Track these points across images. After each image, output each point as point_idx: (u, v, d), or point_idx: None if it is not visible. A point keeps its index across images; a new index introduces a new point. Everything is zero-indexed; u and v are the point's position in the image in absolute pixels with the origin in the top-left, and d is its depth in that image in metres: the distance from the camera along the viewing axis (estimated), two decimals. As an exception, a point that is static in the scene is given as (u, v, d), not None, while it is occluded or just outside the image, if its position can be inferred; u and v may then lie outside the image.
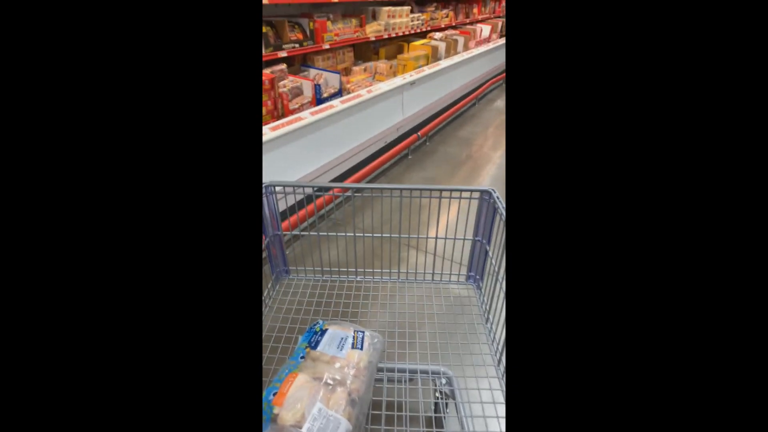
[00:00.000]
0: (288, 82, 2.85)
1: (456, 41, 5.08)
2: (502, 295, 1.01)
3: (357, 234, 1.28)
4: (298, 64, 3.45)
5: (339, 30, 3.39)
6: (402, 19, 4.26)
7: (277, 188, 1.17)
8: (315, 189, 1.17)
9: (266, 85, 2.58)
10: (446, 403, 1.18)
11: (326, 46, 3.26)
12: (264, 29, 2.79)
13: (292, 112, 2.74)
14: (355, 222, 1.30)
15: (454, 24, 5.82)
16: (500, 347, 1.03)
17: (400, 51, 4.48)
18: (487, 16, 7.35)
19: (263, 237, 1.23)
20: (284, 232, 1.29)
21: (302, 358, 0.92)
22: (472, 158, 4.10)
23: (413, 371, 1.09)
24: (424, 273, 1.33)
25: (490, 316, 1.13)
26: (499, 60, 6.86)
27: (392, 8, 4.12)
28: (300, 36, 3.07)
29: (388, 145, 3.67)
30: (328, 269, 1.33)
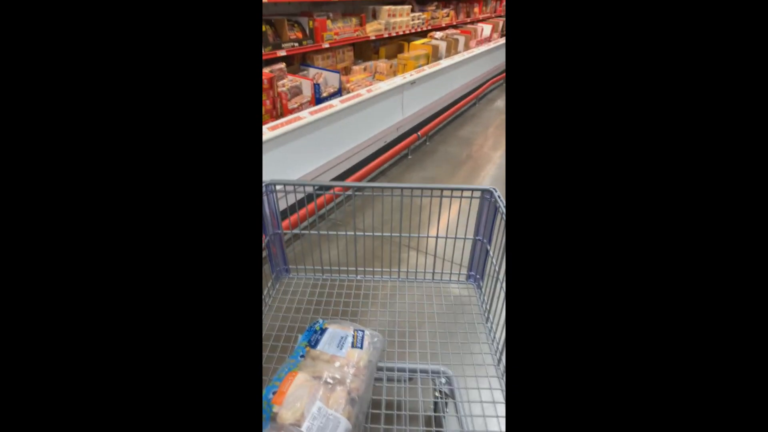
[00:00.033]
0: (287, 82, 2.86)
1: (457, 41, 5.09)
2: (503, 294, 1.02)
3: (357, 233, 1.29)
4: (298, 63, 3.45)
5: (339, 29, 3.39)
6: (402, 18, 4.26)
7: (278, 187, 1.17)
8: (315, 187, 1.18)
9: (265, 84, 2.58)
10: (446, 403, 1.19)
11: (326, 45, 3.26)
12: (263, 28, 2.79)
13: (291, 111, 2.75)
14: (355, 221, 1.30)
15: (454, 23, 5.83)
16: (500, 347, 1.04)
17: (401, 50, 4.49)
18: (488, 15, 7.35)
19: (263, 236, 1.24)
20: (284, 231, 1.29)
21: (302, 356, 0.93)
22: (472, 158, 4.11)
23: (413, 370, 1.09)
24: (425, 272, 1.34)
25: (491, 316, 1.14)
26: (500, 59, 6.86)
27: (393, 7, 4.12)
28: (299, 35, 3.07)
29: (388, 144, 3.68)
30: (328, 268, 1.34)
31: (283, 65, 2.94)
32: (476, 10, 6.75)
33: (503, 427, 0.87)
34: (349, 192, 1.15)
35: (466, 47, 5.41)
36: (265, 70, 2.76)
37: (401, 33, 4.28)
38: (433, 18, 5.04)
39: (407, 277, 1.33)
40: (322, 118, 2.71)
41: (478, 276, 1.29)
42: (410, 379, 1.10)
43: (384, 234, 1.29)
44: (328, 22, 3.25)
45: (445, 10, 5.42)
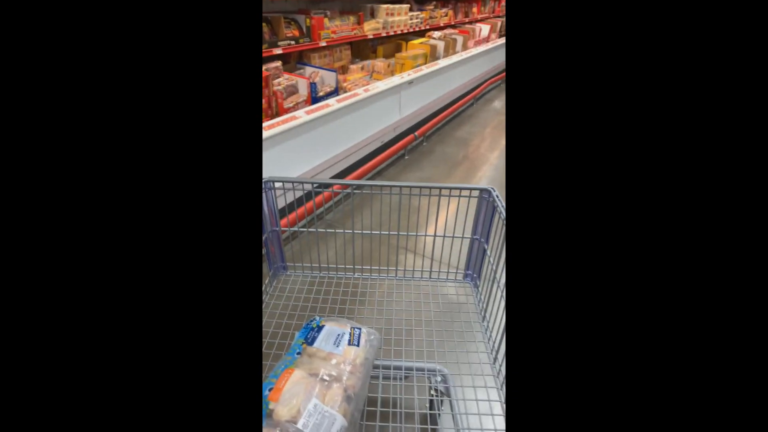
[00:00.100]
0: (283, 80, 2.86)
1: (455, 40, 5.11)
2: (500, 293, 1.03)
3: (355, 231, 1.30)
4: (294, 61, 3.46)
5: (336, 27, 3.40)
6: (401, 18, 4.28)
7: (276, 184, 1.19)
8: (314, 185, 1.19)
9: (261, 82, 2.59)
10: (441, 401, 1.20)
11: (323, 44, 3.27)
12: (260, 25, 2.79)
13: (287, 110, 2.75)
14: (353, 219, 1.31)
15: (453, 23, 5.85)
16: (496, 345, 1.05)
17: (399, 49, 4.50)
18: (487, 15, 7.39)
19: (262, 233, 1.25)
20: (282, 229, 1.30)
21: (299, 354, 0.94)
22: (469, 159, 4.13)
23: (409, 368, 1.11)
24: (422, 271, 1.35)
25: (487, 315, 1.16)
26: (498, 60, 6.89)
27: (391, 6, 4.14)
28: (296, 33, 3.08)
29: (385, 145, 3.69)
30: (326, 266, 1.35)
31: (279, 63, 2.94)
32: (474, 10, 6.78)
33: (498, 425, 0.89)
34: (348, 190, 1.16)
35: (465, 47, 5.43)
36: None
37: (399, 32, 4.29)
38: (431, 17, 5.06)
39: (404, 276, 1.35)
40: (318, 118, 2.71)
41: (475, 275, 1.31)
42: (406, 377, 1.11)
43: (382, 232, 1.30)
44: (326, 20, 3.26)
45: (444, 10, 5.44)
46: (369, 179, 3.54)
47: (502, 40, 6.74)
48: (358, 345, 0.97)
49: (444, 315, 1.21)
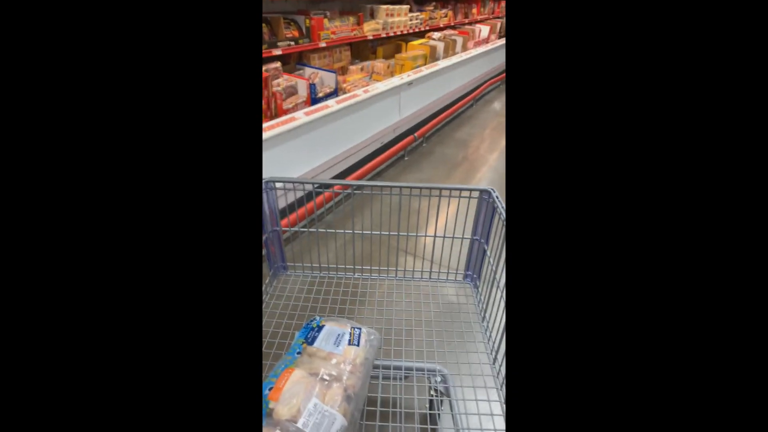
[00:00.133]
0: (282, 81, 2.87)
1: (454, 41, 5.13)
2: (499, 294, 1.04)
3: (356, 231, 1.31)
4: (294, 62, 3.46)
5: (336, 28, 3.40)
6: (400, 18, 4.29)
7: (277, 184, 1.20)
8: (315, 185, 1.20)
9: (260, 83, 2.60)
10: (441, 401, 1.21)
11: (323, 45, 3.28)
12: (259, 26, 2.80)
13: (286, 111, 2.76)
14: (353, 219, 1.32)
15: (452, 24, 5.87)
16: (496, 346, 1.06)
17: (398, 50, 4.51)
18: (486, 16, 7.41)
19: (262, 233, 1.26)
20: (283, 229, 1.31)
21: (299, 353, 0.95)
22: (468, 160, 4.14)
23: (409, 369, 1.11)
24: (422, 271, 1.36)
25: (487, 315, 1.16)
26: (498, 61, 6.91)
27: (391, 7, 4.15)
28: (296, 33, 3.09)
29: (385, 146, 3.70)
30: (326, 266, 1.36)
31: (278, 64, 2.95)
32: (474, 11, 6.80)
33: (498, 426, 0.89)
34: (348, 191, 1.17)
35: (464, 48, 5.44)
36: (261, 69, 2.77)
37: (399, 33, 4.30)
38: (431, 18, 5.08)
39: (404, 276, 1.36)
40: (317, 119, 2.71)
41: (475, 276, 1.32)
42: (406, 377, 1.12)
43: (382, 233, 1.31)
44: (325, 20, 3.26)
45: (444, 11, 5.46)
46: (369, 180, 3.55)
47: (502, 41, 6.76)
48: (358, 345, 0.98)
49: (444, 315, 1.22)
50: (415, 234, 1.32)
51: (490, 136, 4.86)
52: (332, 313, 1.25)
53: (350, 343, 0.98)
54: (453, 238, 1.29)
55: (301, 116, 2.61)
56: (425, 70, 4.14)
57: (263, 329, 1.15)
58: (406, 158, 4.12)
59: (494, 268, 1.13)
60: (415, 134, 4.08)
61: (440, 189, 1.19)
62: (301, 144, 2.66)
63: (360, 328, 1.02)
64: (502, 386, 0.99)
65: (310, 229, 1.37)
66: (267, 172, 2.34)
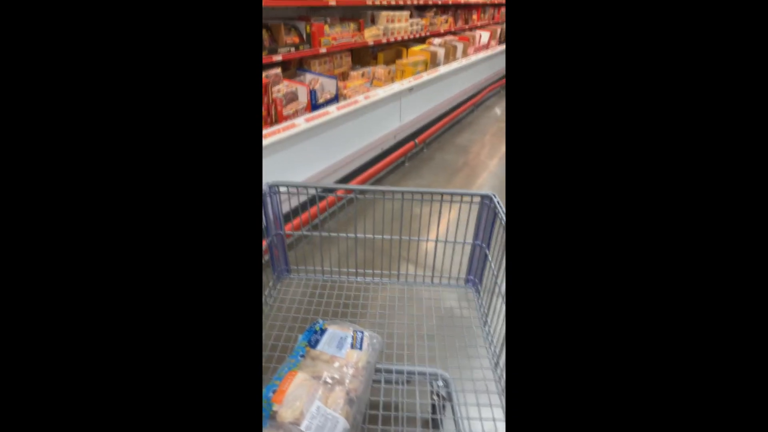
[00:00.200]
0: (282, 87, 2.88)
1: (455, 47, 5.16)
2: (501, 299, 1.06)
3: (358, 235, 1.33)
4: (294, 68, 3.48)
5: (337, 34, 3.42)
6: (401, 24, 4.31)
7: (281, 188, 1.22)
8: (318, 189, 1.23)
9: (260, 89, 2.60)
10: (443, 405, 1.22)
11: (323, 51, 3.29)
12: (260, 32, 2.82)
13: (286, 118, 2.76)
14: (356, 224, 1.34)
15: (453, 30, 5.90)
16: (498, 350, 1.07)
17: (399, 56, 4.54)
18: (486, 22, 7.45)
19: (266, 236, 1.28)
20: (286, 232, 1.33)
21: (302, 356, 0.96)
22: (469, 165, 4.16)
23: (411, 373, 1.13)
24: (424, 276, 1.37)
25: (488, 320, 1.18)
26: (498, 66, 6.95)
27: (391, 13, 4.17)
28: (296, 39, 3.11)
29: (385, 152, 3.71)
30: (329, 269, 1.38)
31: (278, 70, 2.96)
32: (474, 17, 6.84)
33: (500, 430, 0.90)
34: (351, 195, 1.19)
35: (465, 54, 5.48)
36: (261, 75, 2.78)
37: (400, 39, 4.32)
38: (431, 24, 5.11)
39: (406, 280, 1.37)
40: (317, 126, 2.72)
41: (476, 280, 1.33)
42: (408, 381, 1.13)
43: (384, 236, 1.33)
44: (326, 27, 3.28)
45: (444, 17, 5.49)
46: (370, 186, 3.56)
47: (502, 47, 6.80)
48: (360, 348, 0.99)
49: (446, 320, 1.24)
50: (417, 238, 1.34)
51: (490, 141, 4.89)
52: (335, 316, 1.27)
53: (353, 346, 0.99)
54: (455, 243, 1.31)
55: (301, 122, 2.62)
56: (426, 76, 4.16)
57: (267, 332, 1.16)
58: (406, 164, 4.14)
59: (496, 273, 1.15)
60: (416, 140, 4.10)
61: (442, 194, 1.21)
62: (301, 151, 2.67)
63: (362, 332, 1.04)
64: (503, 391, 1.00)
65: (313, 233, 1.39)
66: (266, 179, 2.35)
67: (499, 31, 7.08)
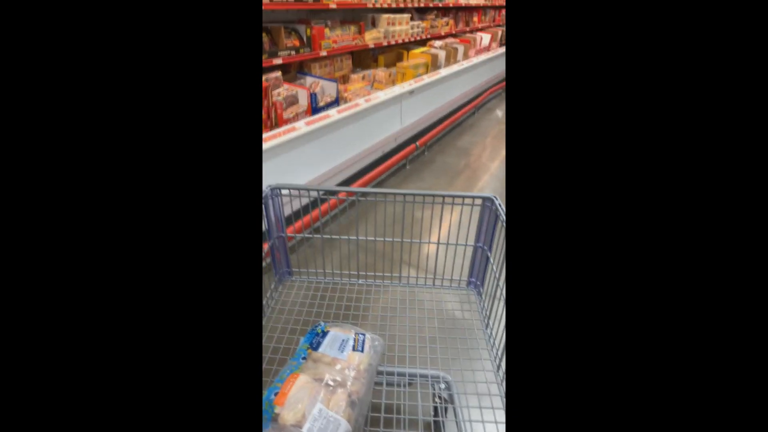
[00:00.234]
0: (283, 90, 2.89)
1: (456, 50, 5.18)
2: (503, 301, 1.06)
3: (360, 237, 1.34)
4: (294, 71, 3.49)
5: (337, 37, 3.44)
6: (402, 27, 4.33)
7: (283, 191, 1.23)
8: (320, 192, 1.24)
9: (260, 93, 2.62)
10: (445, 408, 1.23)
11: (324, 54, 3.30)
12: (261, 35, 2.84)
13: (287, 121, 2.77)
14: (358, 226, 1.35)
15: (454, 32, 5.92)
16: (500, 353, 1.08)
17: (400, 59, 4.55)
18: (487, 24, 7.48)
19: (267, 239, 1.28)
20: (288, 235, 1.34)
21: (303, 359, 0.96)
22: (470, 168, 4.17)
23: (412, 375, 1.13)
24: (425, 278, 1.38)
25: (490, 322, 1.18)
26: (499, 69, 6.97)
27: (392, 15, 4.19)
28: (297, 43, 3.12)
29: (386, 155, 3.72)
30: (330, 272, 1.39)
31: (279, 74, 2.97)
32: (475, 19, 6.87)
33: (502, 432, 0.91)
34: (353, 197, 1.19)
35: (465, 56, 5.50)
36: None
37: (400, 41, 4.34)
38: (432, 27, 5.13)
39: (408, 283, 1.38)
40: (318, 129, 2.73)
41: (478, 282, 1.34)
42: (410, 383, 1.13)
43: (386, 239, 1.34)
44: (327, 29, 3.29)
45: (445, 19, 5.51)
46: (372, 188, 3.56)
47: (503, 49, 6.82)
48: (362, 351, 0.99)
49: (447, 322, 1.24)
50: (418, 241, 1.35)
51: (491, 144, 4.90)
52: (337, 318, 1.27)
53: (354, 348, 0.99)
54: (456, 245, 1.32)
55: (301, 126, 2.63)
56: (427, 79, 4.17)
57: (268, 335, 1.17)
58: (407, 167, 4.15)
59: (497, 275, 1.15)
60: (417, 143, 4.11)
61: (443, 196, 1.22)
62: (301, 154, 2.68)
63: (364, 334, 1.04)
64: (506, 393, 1.00)
65: (315, 235, 1.39)
66: (266, 183, 2.36)
67: (500, 33, 7.11)
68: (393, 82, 4.02)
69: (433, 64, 4.63)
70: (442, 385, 1.19)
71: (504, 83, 7.32)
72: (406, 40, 4.46)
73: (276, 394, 0.85)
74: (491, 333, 1.17)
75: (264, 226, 1.25)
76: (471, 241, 1.30)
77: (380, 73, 3.94)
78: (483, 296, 1.31)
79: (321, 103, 3.10)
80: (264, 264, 1.36)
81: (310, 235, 1.38)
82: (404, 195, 1.21)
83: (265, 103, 2.69)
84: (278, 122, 2.77)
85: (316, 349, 0.99)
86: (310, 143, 2.73)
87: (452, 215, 1.26)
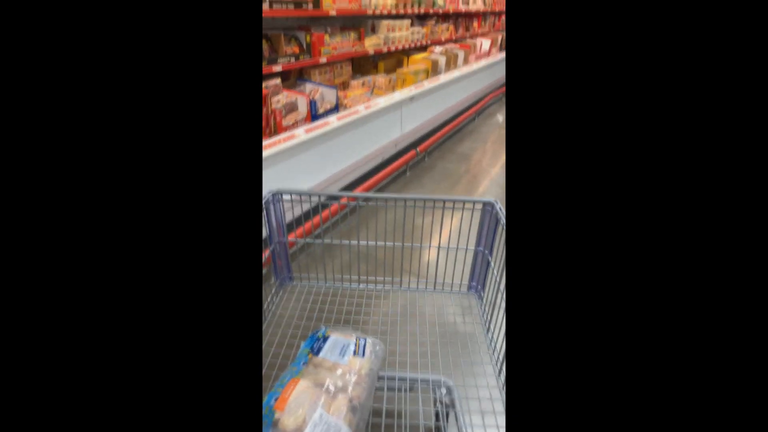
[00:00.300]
0: (282, 98, 2.89)
1: (456, 55, 5.20)
2: (504, 305, 1.07)
3: (361, 242, 1.35)
4: (294, 78, 3.50)
5: (337, 43, 3.45)
6: (402, 33, 4.35)
7: (284, 196, 1.24)
8: (322, 197, 1.25)
9: (260, 101, 2.61)
10: (446, 413, 1.23)
11: (323, 60, 3.32)
12: (260, 42, 2.86)
13: (286, 128, 2.77)
14: (359, 231, 1.36)
15: (454, 38, 5.95)
16: (501, 357, 1.08)
17: (400, 64, 4.57)
18: (487, 30, 7.52)
19: (269, 244, 1.30)
20: (290, 239, 1.35)
21: (304, 363, 0.97)
22: (470, 173, 4.19)
23: (413, 380, 1.14)
24: (426, 282, 1.39)
25: (491, 327, 1.19)
26: (499, 74, 7.00)
27: (392, 22, 4.20)
28: (296, 49, 3.14)
29: (386, 161, 3.74)
30: (331, 276, 1.40)
31: (278, 80, 2.98)
32: (475, 24, 6.90)
33: (504, 437, 0.91)
34: (355, 203, 1.21)
35: (466, 62, 5.52)
36: (261, 85, 2.80)
37: (401, 47, 4.36)
38: (432, 32, 5.15)
39: (409, 288, 1.39)
40: (317, 136, 2.73)
41: (479, 287, 1.35)
42: (411, 388, 1.14)
43: (387, 243, 1.35)
44: (326, 36, 3.31)
45: (445, 25, 5.54)
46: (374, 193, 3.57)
47: (503, 55, 6.86)
48: (363, 355, 1.00)
49: (448, 326, 1.25)
50: (419, 245, 1.36)
51: (492, 149, 4.92)
52: (337, 323, 1.27)
53: (355, 353, 1.00)
54: (457, 249, 1.33)
55: (301, 133, 2.63)
56: (427, 85, 4.19)
57: (269, 340, 1.17)
58: (407, 173, 4.16)
59: (498, 279, 1.16)
60: (417, 149, 4.13)
61: (444, 201, 1.23)
62: (301, 162, 2.68)
63: (365, 339, 1.05)
64: None
65: (316, 240, 1.41)
66: (265, 190, 2.37)
67: (500, 38, 7.14)
68: (393, 88, 4.03)
69: (434, 70, 4.65)
70: (444, 390, 1.20)
71: (504, 88, 7.35)
72: (406, 46, 4.48)
73: (276, 399, 0.85)
74: (492, 337, 1.17)
75: (265, 232, 1.26)
76: (471, 246, 1.31)
77: (380, 79, 3.96)
78: (484, 300, 1.31)
79: (321, 110, 3.11)
80: (265, 269, 1.37)
81: (312, 240, 1.39)
82: (405, 200, 1.23)
83: (264, 110, 2.69)
84: (278, 130, 2.77)
85: (316, 353, 0.99)
86: (309, 151, 2.74)
87: (452, 220, 1.27)
